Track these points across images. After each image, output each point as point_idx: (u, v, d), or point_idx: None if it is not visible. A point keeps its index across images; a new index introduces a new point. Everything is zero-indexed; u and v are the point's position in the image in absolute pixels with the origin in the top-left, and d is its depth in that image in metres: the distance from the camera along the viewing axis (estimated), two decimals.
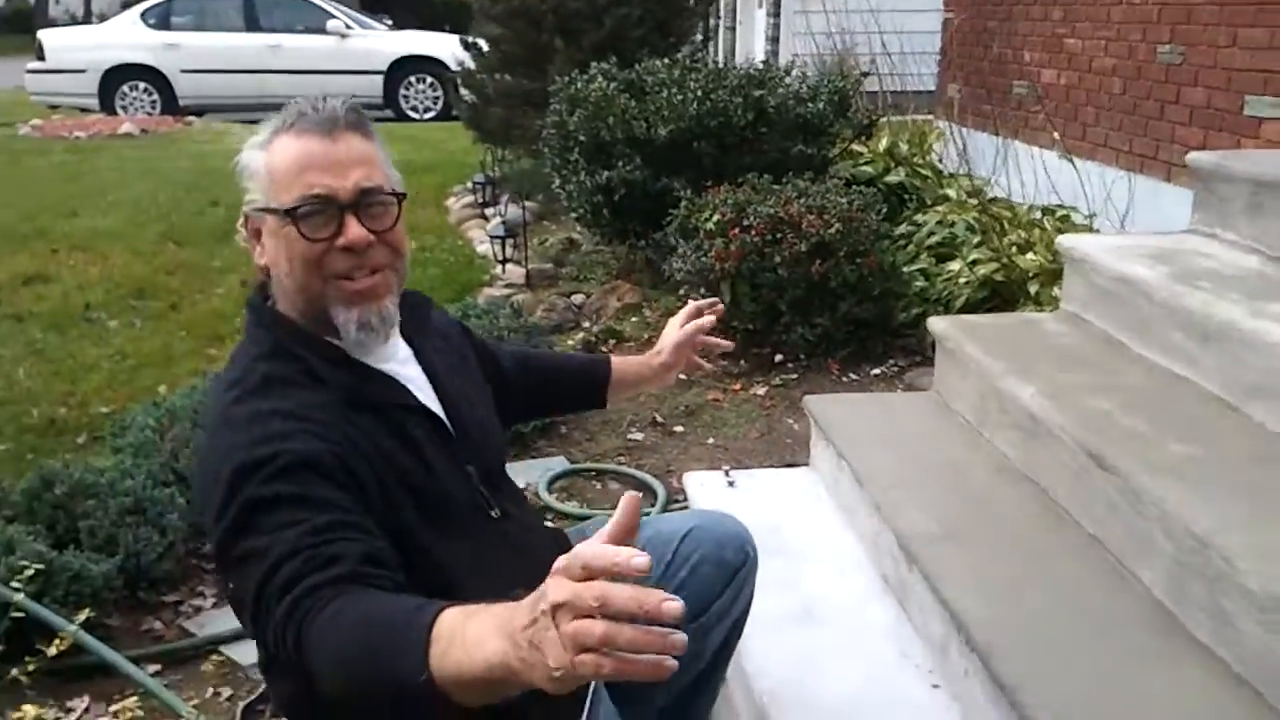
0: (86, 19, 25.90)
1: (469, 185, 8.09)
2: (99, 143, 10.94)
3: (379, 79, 13.29)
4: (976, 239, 4.50)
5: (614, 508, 0.98)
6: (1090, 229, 4.54)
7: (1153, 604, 1.94)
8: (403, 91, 13.57)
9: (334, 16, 13.52)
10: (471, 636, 1.02)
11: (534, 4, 7.02)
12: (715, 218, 4.49)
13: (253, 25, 13.51)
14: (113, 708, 2.22)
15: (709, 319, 2.08)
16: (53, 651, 2.43)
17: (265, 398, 1.39)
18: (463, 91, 8.18)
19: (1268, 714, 1.64)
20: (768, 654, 2.18)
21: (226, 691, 2.55)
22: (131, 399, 4.17)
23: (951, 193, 5.17)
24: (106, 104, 13.25)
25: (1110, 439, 2.18)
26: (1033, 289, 4.02)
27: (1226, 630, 1.75)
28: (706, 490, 2.98)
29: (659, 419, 3.97)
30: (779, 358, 4.39)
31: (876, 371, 4.30)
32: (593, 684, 1.61)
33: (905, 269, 4.54)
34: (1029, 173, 5.09)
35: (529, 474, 3.51)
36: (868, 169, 5.47)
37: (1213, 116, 4.34)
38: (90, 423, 4.06)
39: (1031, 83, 5.55)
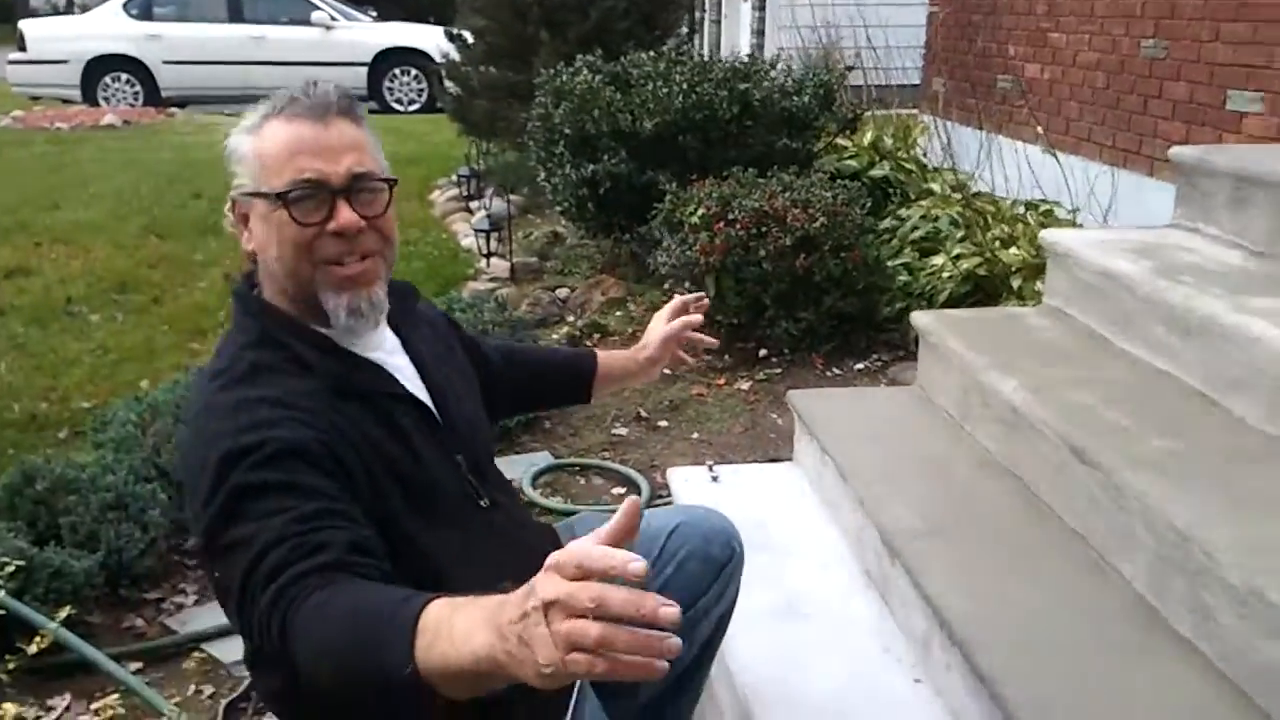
0: (68, 9, 25.67)
1: (453, 178, 8.06)
2: (81, 134, 10.88)
3: (363, 71, 13.24)
4: (960, 233, 4.51)
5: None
6: (1073, 224, 4.55)
7: (1134, 598, 1.94)
8: (387, 84, 13.54)
9: (318, 8, 13.47)
10: (458, 629, 1.01)
11: None
12: (700, 211, 4.48)
13: (236, 16, 13.44)
14: (94, 705, 2.21)
15: (696, 317, 2.08)
16: (33, 649, 2.41)
17: (252, 385, 1.38)
18: (447, 84, 8.15)
19: (1248, 708, 1.65)
20: (751, 649, 2.18)
21: (209, 689, 2.55)
22: (113, 394, 4.15)
23: (936, 187, 5.17)
24: (88, 95, 13.17)
25: (1092, 433, 2.19)
26: (1016, 284, 4.02)
27: (1207, 624, 1.76)
28: (691, 485, 2.98)
29: (643, 414, 3.97)
30: (763, 352, 4.39)
31: (860, 366, 4.31)
32: (578, 681, 1.60)
33: (889, 263, 4.55)
34: (1013, 167, 5.10)
35: (513, 469, 3.50)
36: (852, 163, 5.47)
37: (1195, 111, 4.35)
38: (71, 418, 4.04)
39: (1016, 77, 5.56)
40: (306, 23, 13.35)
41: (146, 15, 13.32)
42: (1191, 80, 4.38)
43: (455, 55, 8.03)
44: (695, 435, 3.83)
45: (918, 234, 4.66)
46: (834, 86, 5.74)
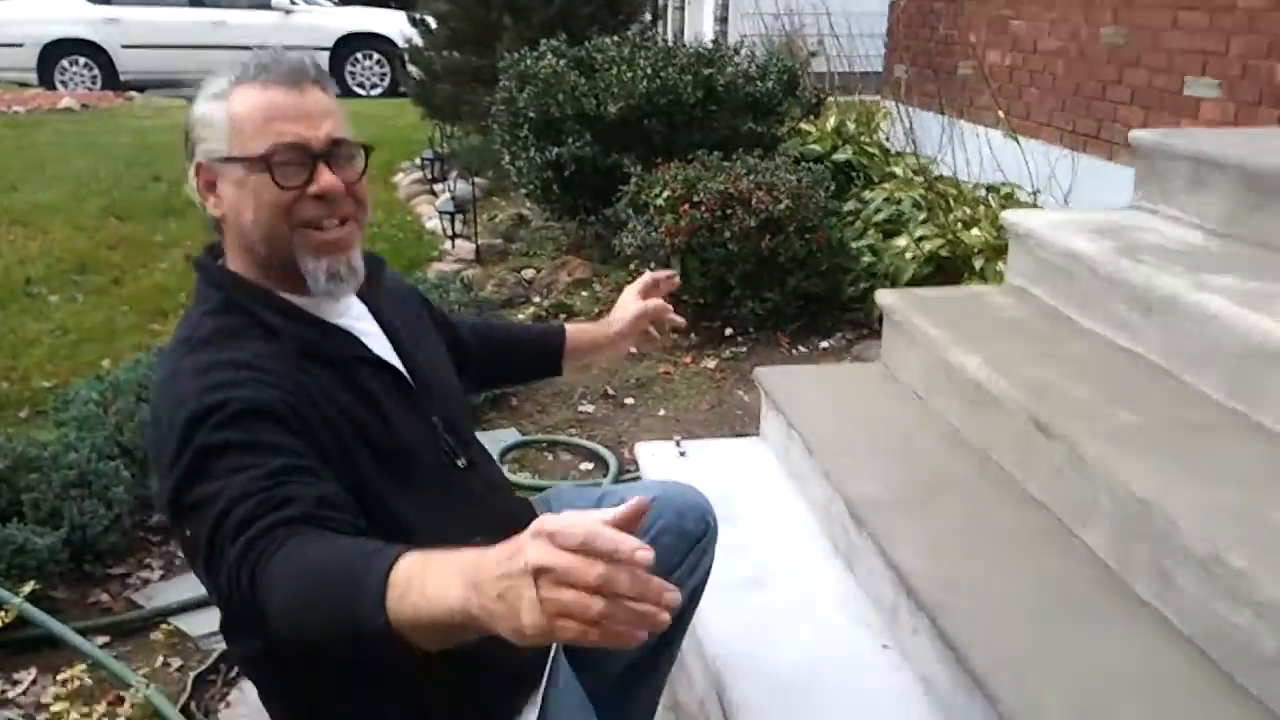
0: None
1: (417, 161, 8.03)
2: (38, 117, 10.71)
3: (324, 56, 13.12)
4: (923, 215, 4.55)
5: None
6: (1034, 206, 4.60)
7: (1098, 564, 1.99)
8: (349, 68, 13.43)
9: None
10: (431, 582, 1.02)
11: None
12: (665, 194, 4.50)
13: (195, 0, 13.29)
14: (60, 676, 2.20)
15: (664, 303, 2.09)
16: None
17: (217, 349, 1.38)
18: (410, 68, 8.12)
19: (1208, 668, 1.69)
20: (721, 621, 2.20)
21: (177, 662, 2.54)
22: (74, 373, 4.11)
23: (898, 170, 5.22)
24: (45, 79, 12.98)
25: (1055, 407, 2.23)
26: (978, 264, 4.07)
27: (1169, 588, 1.80)
28: (658, 460, 3.00)
29: (610, 391, 3.99)
30: (729, 331, 4.42)
31: (825, 344, 4.34)
32: (554, 649, 1.62)
33: (853, 244, 4.58)
34: (974, 151, 5.14)
35: None
36: (816, 147, 5.50)
37: (1154, 97, 4.41)
38: (32, 397, 4.00)
39: (977, 63, 5.61)
40: (266, 7, 13.21)
41: None
42: (1150, 67, 4.44)
43: (418, 40, 7.99)
44: (662, 412, 3.85)
45: (881, 216, 4.70)
46: (797, 72, 5.77)
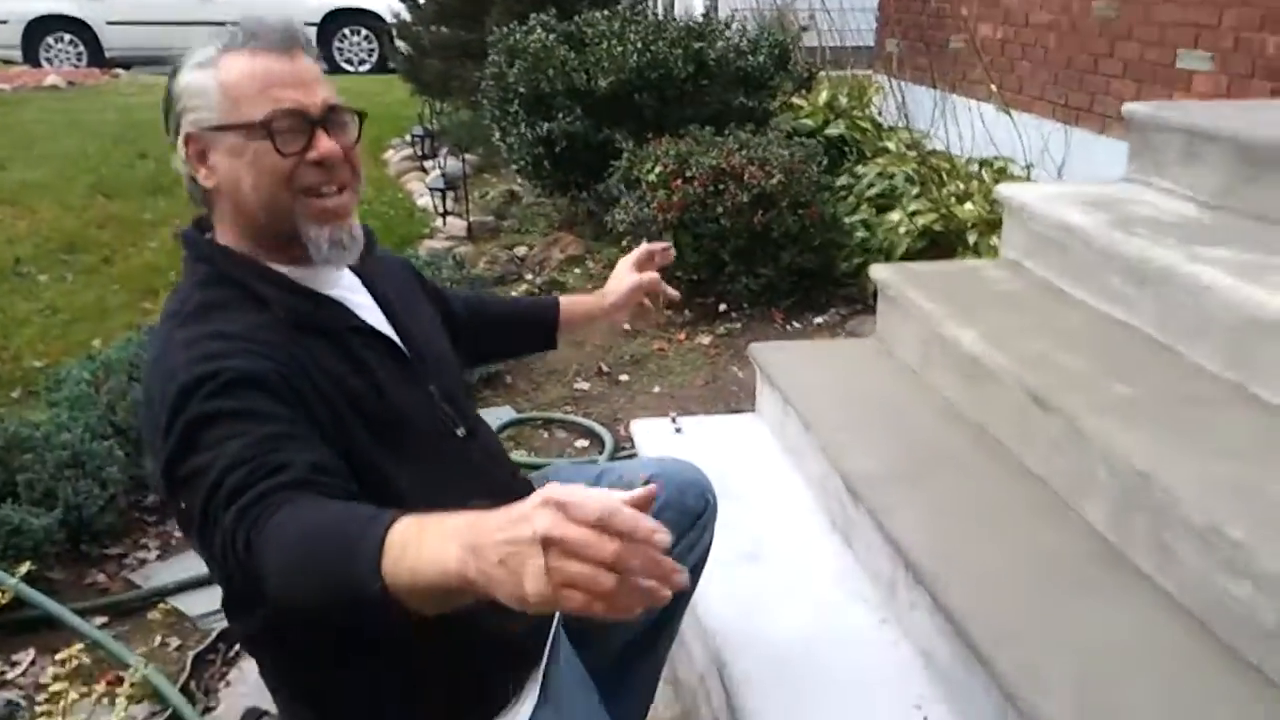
0: None
1: (407, 138, 7.99)
2: (23, 95, 10.64)
3: (312, 31, 12.97)
4: (916, 190, 4.55)
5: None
6: (1027, 180, 4.60)
7: (1096, 538, 1.99)
8: (336, 44, 13.34)
9: None
10: (428, 544, 1.01)
11: None
12: (657, 169, 4.49)
13: None
14: (58, 656, 2.19)
15: (658, 276, 2.09)
16: None
17: (207, 321, 1.36)
18: (399, 43, 8.07)
19: (1208, 639, 1.70)
20: (720, 596, 2.20)
21: (175, 641, 2.54)
22: (65, 353, 4.10)
23: (891, 145, 5.21)
24: (30, 56, 12.88)
25: (1052, 380, 2.23)
26: (971, 238, 4.07)
27: (1169, 561, 1.81)
28: (654, 437, 3.00)
29: (605, 368, 3.99)
30: (723, 307, 4.42)
31: (820, 320, 4.35)
32: (554, 627, 1.62)
33: (846, 219, 4.58)
34: (967, 125, 5.13)
35: None
36: (808, 122, 5.48)
37: (1146, 70, 4.40)
38: (24, 377, 3.99)
39: (969, 37, 5.59)
40: None
41: None
42: (1142, 40, 4.43)
43: (406, 15, 7.95)
44: (657, 389, 3.85)
45: (874, 191, 4.69)
46: (789, 47, 5.75)
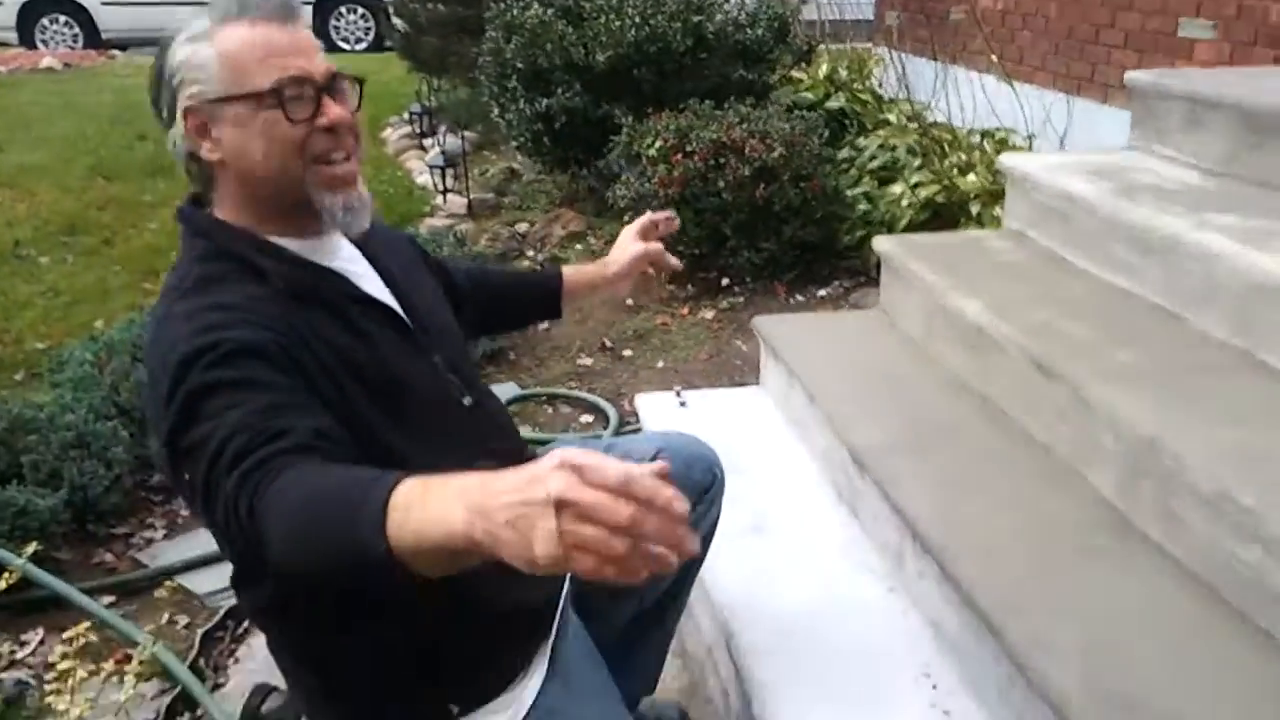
0: None
1: (405, 116, 7.95)
2: (19, 78, 10.60)
3: (308, 10, 12.97)
4: (917, 162, 4.53)
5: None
6: (1030, 150, 4.58)
7: (1103, 505, 1.99)
8: (333, 22, 13.27)
9: None
10: (433, 505, 1.00)
11: None
12: (658, 144, 4.47)
13: None
14: (65, 635, 2.20)
15: (661, 246, 2.08)
16: (2, 585, 2.39)
17: (206, 294, 1.35)
18: (395, 21, 8.03)
19: (1218, 605, 1.70)
20: (727, 569, 2.20)
21: (183, 619, 2.55)
22: (68, 335, 4.09)
23: (892, 117, 5.18)
24: (26, 38, 12.82)
25: (1057, 349, 2.22)
26: (974, 209, 4.06)
27: (1176, 528, 1.81)
28: (659, 411, 3.00)
29: (608, 343, 3.98)
30: (726, 281, 4.41)
31: (823, 293, 4.34)
32: (562, 601, 1.62)
33: (848, 192, 4.57)
34: (968, 97, 5.11)
35: None
36: (808, 95, 5.46)
37: (1148, 39, 4.38)
38: (26, 359, 3.98)
39: (969, 8, 5.56)
40: None
41: None
42: (1143, 9, 4.40)
43: None
44: (660, 364, 3.85)
45: (876, 163, 4.68)
46: (788, 19, 5.72)
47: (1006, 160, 3.11)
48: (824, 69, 5.74)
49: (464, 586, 1.07)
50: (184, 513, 2.92)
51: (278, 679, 1.56)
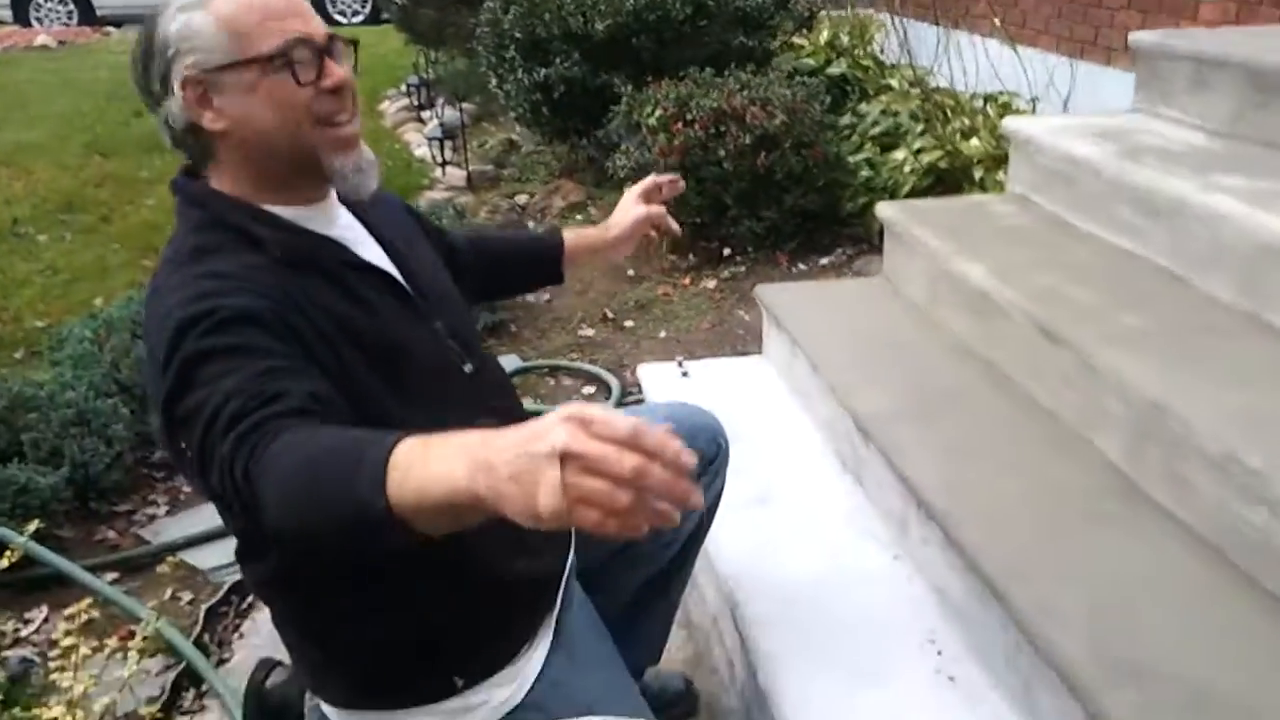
0: None
1: (403, 88, 7.92)
2: (15, 56, 10.58)
3: None
4: (920, 127, 4.49)
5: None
6: (1033, 114, 4.54)
7: (1110, 470, 1.97)
8: None
9: None
10: (435, 461, 0.99)
11: None
12: (657, 113, 4.44)
13: None
14: (68, 611, 2.19)
15: (664, 209, 2.06)
16: (4, 564, 2.39)
17: (201, 263, 1.33)
18: None
19: (1226, 568, 1.69)
20: (731, 539, 2.19)
21: (187, 595, 2.54)
22: (67, 312, 4.08)
23: (894, 83, 5.14)
24: (21, 16, 12.80)
25: (1062, 313, 2.21)
26: (977, 174, 4.03)
27: (1183, 491, 1.79)
28: (661, 382, 2.98)
29: (609, 314, 3.96)
30: (727, 251, 4.38)
31: (825, 261, 4.31)
32: (568, 571, 1.61)
33: (850, 159, 4.53)
34: (970, 61, 5.07)
35: None
36: (809, 61, 5.42)
37: (1152, 0, 4.33)
38: (26, 338, 3.97)
39: None
40: None
41: None
42: None
43: None
44: (662, 334, 3.83)
45: (878, 129, 4.64)
46: None
47: (1010, 124, 3.09)
48: (825, 35, 5.69)
49: (468, 558, 1.05)
50: (186, 489, 2.91)
51: (282, 654, 1.55)
